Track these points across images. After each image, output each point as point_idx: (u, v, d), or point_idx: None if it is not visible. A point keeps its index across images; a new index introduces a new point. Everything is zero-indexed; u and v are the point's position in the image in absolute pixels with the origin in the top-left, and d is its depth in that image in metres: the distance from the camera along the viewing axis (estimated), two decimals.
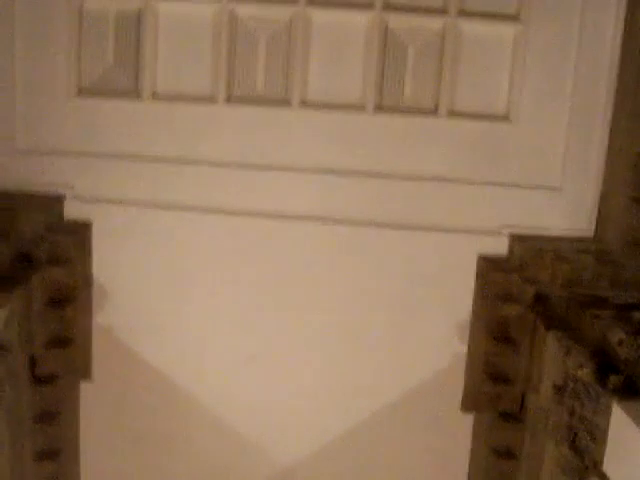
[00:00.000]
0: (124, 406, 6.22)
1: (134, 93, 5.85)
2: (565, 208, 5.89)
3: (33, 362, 5.72)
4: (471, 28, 5.79)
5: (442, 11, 5.76)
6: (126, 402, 6.21)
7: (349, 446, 6.28)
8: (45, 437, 5.92)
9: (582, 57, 5.78)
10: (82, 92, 5.85)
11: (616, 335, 4.44)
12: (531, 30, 5.76)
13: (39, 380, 5.78)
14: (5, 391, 4.87)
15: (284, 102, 5.87)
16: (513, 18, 5.77)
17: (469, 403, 5.97)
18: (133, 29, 5.78)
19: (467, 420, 6.11)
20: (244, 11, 5.76)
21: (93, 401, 6.20)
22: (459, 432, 6.13)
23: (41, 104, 5.84)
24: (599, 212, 5.86)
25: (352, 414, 6.22)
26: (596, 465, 4.32)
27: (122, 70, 5.85)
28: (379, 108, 5.86)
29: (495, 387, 5.72)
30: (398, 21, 5.78)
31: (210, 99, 5.86)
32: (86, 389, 6.17)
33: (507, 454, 5.75)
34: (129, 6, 5.75)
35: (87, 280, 5.95)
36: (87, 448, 6.33)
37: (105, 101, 5.86)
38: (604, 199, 5.83)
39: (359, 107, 5.87)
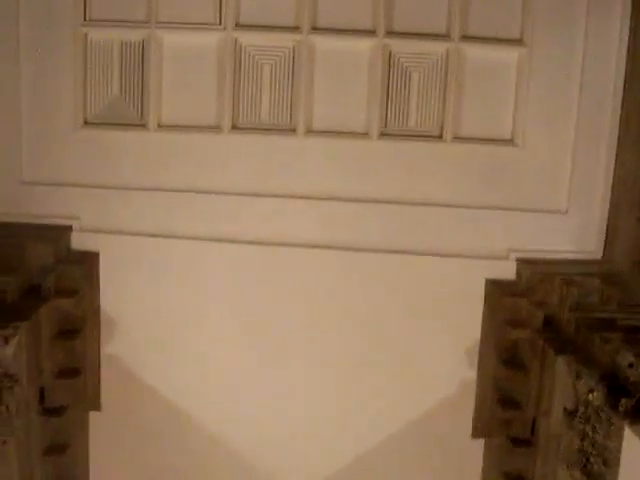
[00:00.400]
0: (133, 436, 6.20)
1: (140, 123, 5.88)
2: (572, 231, 5.88)
3: (42, 393, 5.74)
4: (475, 52, 5.80)
5: (445, 36, 5.78)
6: (135, 432, 6.19)
7: (359, 473, 6.24)
8: (55, 468, 5.91)
9: (587, 79, 5.79)
10: (88, 123, 5.88)
11: (626, 358, 4.44)
12: (535, 53, 5.78)
13: (48, 411, 5.78)
14: (15, 423, 4.87)
15: (289, 130, 5.88)
16: (517, 42, 5.78)
17: (479, 429, 5.96)
18: (138, 59, 5.81)
19: (478, 446, 6.10)
20: (248, 39, 5.79)
21: (102, 431, 6.18)
22: (470, 458, 6.10)
23: (47, 135, 5.87)
24: (606, 234, 5.85)
25: (361, 441, 6.19)
26: None
27: (127, 101, 5.87)
28: (384, 134, 5.87)
29: (505, 412, 5.69)
30: (401, 47, 5.80)
31: (215, 128, 5.88)
32: (95, 419, 6.17)
33: (519, 479, 5.71)
34: (133, 37, 5.78)
35: (95, 311, 5.96)
36: (98, 478, 6.31)
37: (111, 132, 5.89)
38: (611, 221, 5.82)
39: (364, 134, 5.88)
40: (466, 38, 5.77)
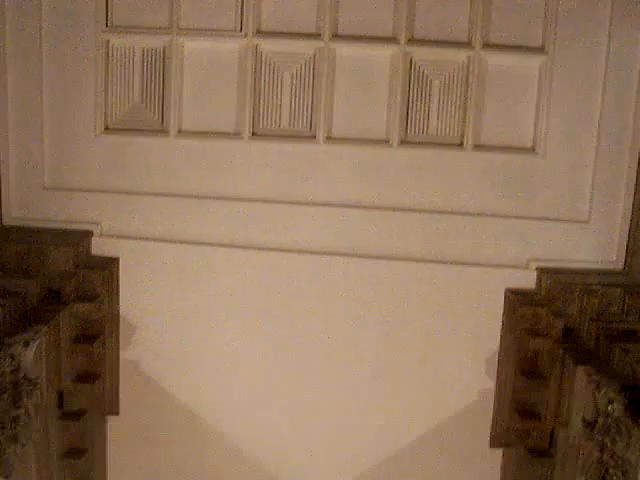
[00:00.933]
0: (151, 440, 6.22)
1: (160, 130, 5.90)
2: (593, 241, 5.84)
3: (61, 397, 5.78)
4: (496, 60, 5.78)
5: (467, 44, 5.76)
6: (153, 436, 6.21)
7: None
8: (73, 472, 5.95)
9: (609, 87, 5.75)
10: (109, 129, 5.91)
11: None
12: (557, 61, 5.74)
13: (67, 415, 5.82)
14: (34, 426, 4.89)
15: (309, 137, 5.89)
16: (538, 49, 5.75)
17: (498, 439, 5.93)
18: (159, 66, 5.83)
19: (496, 456, 6.07)
20: (268, 47, 5.80)
21: (120, 435, 6.21)
22: (488, 468, 6.08)
23: (69, 142, 5.90)
24: (628, 244, 5.79)
25: (379, 450, 6.18)
26: None
27: (149, 107, 5.89)
28: (404, 142, 5.86)
29: (524, 423, 5.65)
30: (422, 54, 5.78)
31: (235, 135, 5.89)
32: (113, 423, 6.19)
33: None
34: (155, 43, 5.80)
35: (114, 316, 5.98)
36: None
37: (132, 138, 5.91)
38: (633, 231, 5.76)
39: (384, 141, 5.87)
40: (487, 46, 5.74)
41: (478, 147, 5.85)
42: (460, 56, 5.77)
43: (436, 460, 6.15)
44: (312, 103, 5.85)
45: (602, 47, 5.72)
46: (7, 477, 4.74)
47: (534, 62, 5.77)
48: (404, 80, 5.79)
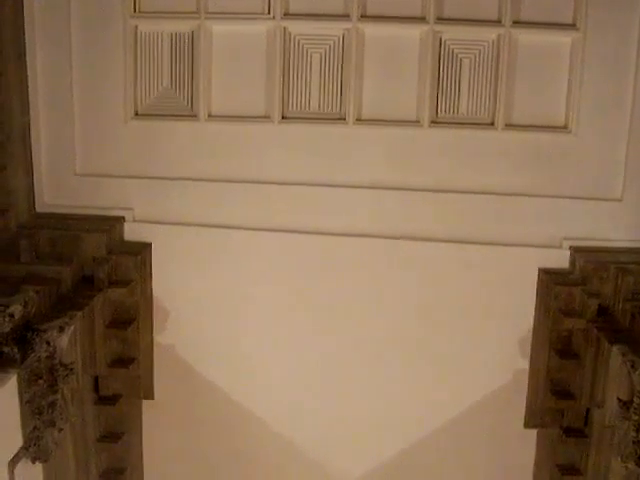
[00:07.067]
0: (186, 424, 6.27)
1: (190, 114, 5.91)
2: (627, 219, 5.78)
3: (96, 382, 5.84)
4: (526, 38, 5.72)
5: (496, 22, 5.70)
6: (188, 420, 6.26)
7: (411, 462, 6.25)
8: (110, 456, 6.02)
9: None
10: (139, 115, 5.93)
11: None
12: (588, 38, 5.67)
13: (103, 400, 5.89)
14: (70, 411, 4.95)
15: (339, 119, 5.87)
16: (570, 26, 5.67)
17: (532, 419, 5.93)
18: (187, 50, 5.83)
19: (531, 435, 6.06)
20: (297, 29, 5.78)
21: (156, 419, 6.26)
22: (523, 448, 6.08)
23: (99, 128, 5.93)
24: None
25: (413, 430, 6.20)
26: None
27: (178, 92, 5.90)
28: (435, 122, 5.83)
29: (558, 402, 5.66)
30: (452, 33, 5.74)
31: (265, 118, 5.89)
32: (148, 408, 6.24)
33: (572, 470, 5.68)
34: (183, 28, 5.80)
35: (148, 300, 6.02)
36: (151, 466, 6.41)
37: (162, 123, 5.93)
38: None
39: (414, 122, 5.84)
40: (518, 23, 5.68)
41: (509, 126, 5.81)
42: (490, 34, 5.72)
43: (471, 440, 6.16)
44: (341, 85, 5.83)
45: (635, 22, 5.63)
46: (45, 461, 4.81)
47: (565, 39, 5.71)
48: (434, 60, 5.75)
